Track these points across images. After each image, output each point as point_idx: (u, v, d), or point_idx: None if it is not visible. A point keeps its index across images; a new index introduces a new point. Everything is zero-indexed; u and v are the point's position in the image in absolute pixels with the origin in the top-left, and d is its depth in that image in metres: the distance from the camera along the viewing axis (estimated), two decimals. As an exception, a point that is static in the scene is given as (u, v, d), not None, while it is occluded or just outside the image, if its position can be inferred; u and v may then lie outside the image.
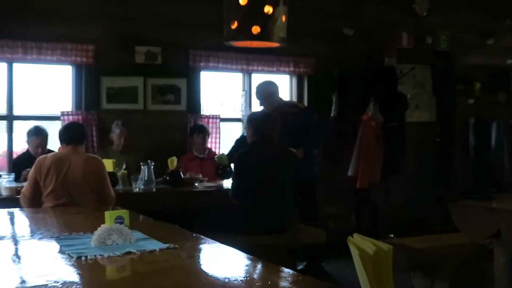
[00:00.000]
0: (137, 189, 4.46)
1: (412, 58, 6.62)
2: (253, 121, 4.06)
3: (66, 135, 3.93)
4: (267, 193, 3.91)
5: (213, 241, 2.39)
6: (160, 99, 5.66)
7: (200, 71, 5.84)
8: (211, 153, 5.50)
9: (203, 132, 5.41)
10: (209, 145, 5.69)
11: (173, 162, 4.63)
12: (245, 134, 4.52)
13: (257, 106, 5.43)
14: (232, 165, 4.87)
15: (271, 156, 4.02)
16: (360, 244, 1.26)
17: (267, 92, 4.93)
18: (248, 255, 2.10)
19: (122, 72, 5.49)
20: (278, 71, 6.12)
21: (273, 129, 4.26)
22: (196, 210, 4.30)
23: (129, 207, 2.84)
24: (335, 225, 6.01)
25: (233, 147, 5.08)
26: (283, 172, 4.01)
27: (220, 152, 5.59)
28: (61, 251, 2.21)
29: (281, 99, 5.01)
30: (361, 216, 6.23)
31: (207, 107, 5.94)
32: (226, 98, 6.09)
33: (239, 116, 6.16)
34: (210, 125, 5.78)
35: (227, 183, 4.79)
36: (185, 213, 4.13)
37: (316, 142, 4.98)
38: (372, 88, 6.11)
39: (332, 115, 6.17)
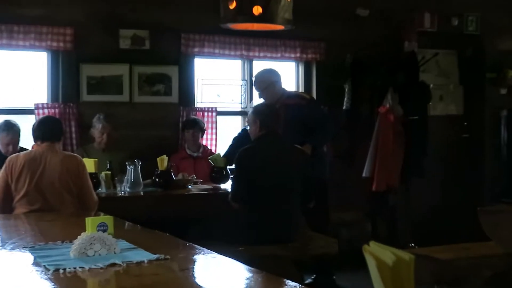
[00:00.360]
0: (122, 193, 4.47)
1: (436, 43, 6.61)
2: (260, 114, 4.06)
3: (41, 131, 3.93)
4: (273, 197, 3.91)
5: (210, 251, 2.40)
6: (148, 90, 5.65)
7: (193, 58, 5.84)
8: (206, 151, 5.50)
9: (196, 127, 5.41)
10: (204, 142, 5.69)
11: (163, 162, 4.63)
12: (247, 128, 4.50)
13: (259, 98, 5.42)
14: (228, 168, 4.87)
15: (279, 154, 4.02)
16: (377, 253, 1.26)
17: (268, 81, 4.92)
18: (250, 267, 2.10)
19: (104, 59, 5.49)
20: (283, 58, 6.12)
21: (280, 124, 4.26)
22: (190, 216, 4.30)
23: (114, 212, 2.85)
24: (348, 234, 6.00)
25: (231, 147, 5.05)
26: (292, 174, 4.01)
27: (216, 152, 5.59)
28: (35, 263, 2.21)
29: (284, 89, 4.99)
30: (377, 224, 6.23)
31: (201, 99, 5.93)
32: (223, 88, 6.08)
33: (238, 108, 6.16)
34: (206, 119, 5.78)
35: (226, 185, 4.79)
36: (177, 220, 4.13)
37: (324, 138, 4.97)
38: (390, 77, 6.10)
39: (344, 107, 6.16)
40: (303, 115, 4.79)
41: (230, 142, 5.17)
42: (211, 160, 4.86)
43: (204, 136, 5.67)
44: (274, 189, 3.91)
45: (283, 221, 3.91)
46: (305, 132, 4.75)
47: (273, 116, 4.11)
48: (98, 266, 2.13)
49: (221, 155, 4.95)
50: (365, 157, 6.00)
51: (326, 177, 5.02)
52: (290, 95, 4.98)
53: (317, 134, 4.80)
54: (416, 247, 5.58)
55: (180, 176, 4.88)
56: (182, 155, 5.42)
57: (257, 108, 4.16)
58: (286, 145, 4.18)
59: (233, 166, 4.40)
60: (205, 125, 5.63)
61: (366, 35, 6.25)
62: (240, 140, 4.85)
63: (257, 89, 4.96)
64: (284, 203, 3.94)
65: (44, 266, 2.14)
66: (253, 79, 5.11)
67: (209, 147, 5.72)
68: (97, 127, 5.16)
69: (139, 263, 2.19)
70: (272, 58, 6.08)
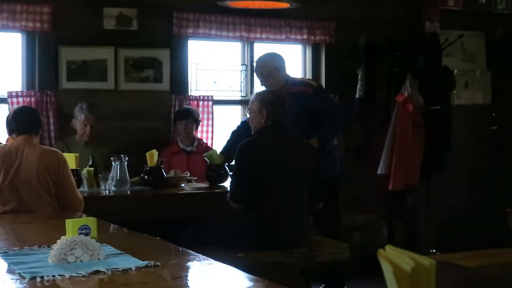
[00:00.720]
0: (107, 192, 4.48)
1: (461, 23, 6.60)
2: (267, 102, 4.04)
3: (16, 122, 3.94)
4: (277, 196, 3.91)
5: (205, 257, 2.40)
6: (136, 76, 5.66)
7: (187, 40, 5.84)
8: (202, 145, 5.51)
9: (189, 118, 5.41)
10: (199, 135, 5.69)
11: (152, 157, 4.63)
12: (246, 120, 4.49)
13: (261, 85, 5.42)
14: (226, 165, 4.87)
15: (284, 149, 4.01)
16: (394, 259, 1.26)
17: (271, 67, 4.91)
18: (251, 276, 2.11)
19: (86, 42, 5.49)
20: (288, 40, 6.12)
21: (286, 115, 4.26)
22: (183, 218, 4.31)
23: (97, 214, 2.84)
24: (361, 238, 6.01)
25: (229, 142, 5.04)
26: (300, 171, 4.01)
27: (212, 146, 5.59)
28: (10, 271, 2.22)
29: (288, 76, 4.99)
30: (394, 227, 6.23)
31: (196, 86, 5.93)
32: (221, 75, 6.09)
33: (237, 97, 6.16)
34: (201, 109, 5.78)
35: (224, 183, 4.79)
36: (169, 222, 4.13)
37: (334, 132, 4.96)
38: (408, 62, 6.10)
39: (357, 96, 6.17)
40: (310, 105, 4.77)
41: (228, 136, 5.16)
42: (206, 157, 4.85)
43: (199, 128, 5.67)
44: (279, 188, 3.91)
45: (289, 224, 3.91)
46: (312, 125, 4.74)
47: (282, 106, 4.10)
48: (80, 274, 2.13)
49: (218, 152, 4.94)
50: (380, 152, 6.00)
51: (337, 175, 5.01)
52: (295, 82, 4.97)
53: (326, 127, 4.78)
54: (438, 253, 5.59)
55: (172, 173, 4.88)
56: (174, 150, 5.43)
57: (263, 96, 4.13)
58: (292, 138, 4.17)
59: (232, 163, 4.40)
60: (200, 116, 5.63)
61: (381, 14, 6.25)
62: (239, 134, 4.84)
63: (259, 76, 4.96)
64: (290, 204, 3.94)
65: (19, 274, 2.14)
66: (254, 64, 5.10)
67: (204, 140, 5.72)
68: (79, 118, 5.16)
69: (126, 271, 2.19)
70: (275, 40, 6.08)
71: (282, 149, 4.00)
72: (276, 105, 4.06)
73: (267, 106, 4.03)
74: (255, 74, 5.15)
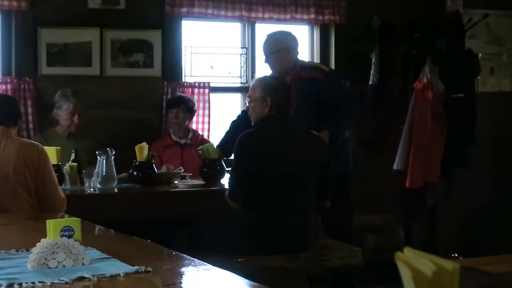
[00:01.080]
0: (92, 189, 4.48)
1: (486, 1, 6.59)
2: (272, 90, 4.03)
3: (-10, 112, 3.93)
4: (282, 194, 3.91)
5: (202, 262, 2.40)
6: (124, 60, 5.66)
7: (181, 21, 5.84)
8: (197, 137, 5.51)
9: (182, 106, 5.41)
10: (194, 126, 5.70)
11: (142, 151, 4.64)
12: (246, 109, 4.48)
13: (263, 70, 5.41)
14: (224, 160, 4.88)
15: (290, 141, 4.00)
16: (413, 262, 1.25)
17: (281, 44, 4.88)
18: (252, 282, 2.11)
19: (68, 22, 5.49)
20: (294, 20, 6.11)
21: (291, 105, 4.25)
22: (177, 219, 4.31)
23: (81, 214, 2.85)
24: (375, 241, 6.01)
25: (227, 134, 5.03)
26: (307, 165, 4.01)
27: (209, 139, 5.59)
28: (-15, 277, 2.22)
29: (298, 60, 4.98)
30: (412, 228, 6.24)
31: (191, 72, 5.93)
32: (218, 59, 6.08)
33: (237, 84, 6.15)
34: (196, 97, 5.78)
35: (223, 181, 4.79)
36: (161, 223, 4.14)
37: (345, 124, 4.93)
38: (428, 44, 6.09)
39: (370, 82, 6.16)
40: (321, 92, 4.75)
41: (226, 128, 5.15)
42: (201, 151, 4.84)
43: (194, 118, 5.68)
44: (284, 185, 3.91)
45: (294, 225, 3.91)
46: (322, 115, 4.72)
47: (287, 94, 4.10)
48: (62, 280, 2.13)
49: (214, 146, 4.93)
50: (396, 145, 5.99)
51: (349, 170, 5.01)
52: (304, 66, 4.95)
53: (337, 118, 4.75)
54: (460, 257, 5.59)
55: (164, 169, 4.88)
56: (167, 143, 5.43)
57: (267, 82, 4.11)
58: (299, 129, 4.17)
59: (230, 158, 4.40)
60: (195, 105, 5.63)
61: (398, -8, 6.25)
62: (239, 126, 4.82)
63: (265, 51, 4.91)
64: (296, 202, 3.94)
65: (-4, 280, 2.14)
66: (264, 37, 5.03)
67: (200, 132, 5.73)
68: (65, 107, 5.14)
69: (114, 277, 2.19)
70: (279, 21, 6.07)
71: (287, 141, 3.99)
72: (281, 93, 4.05)
73: (271, 93, 4.02)
74: (258, 57, 5.08)
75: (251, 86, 4.20)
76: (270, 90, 4.03)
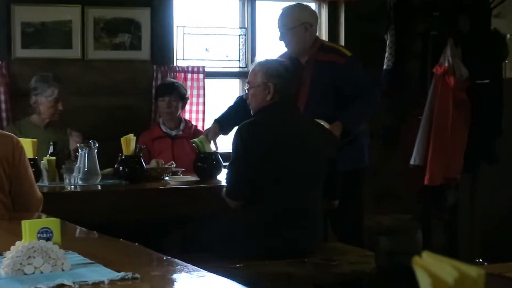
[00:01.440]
0: (72, 186, 4.48)
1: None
2: (273, 74, 4.01)
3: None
4: (287, 192, 3.91)
5: (195, 267, 2.39)
6: (108, 41, 5.65)
7: (172, -3, 5.85)
8: (190, 128, 5.51)
9: (173, 94, 5.40)
10: (187, 116, 5.69)
11: (129, 143, 4.63)
12: (244, 96, 4.45)
13: (265, 52, 5.38)
14: (220, 152, 4.87)
15: (295, 132, 4.00)
16: (433, 268, 1.25)
17: (298, 20, 4.83)
18: (253, 290, 2.11)
19: (46, -1, 5.49)
20: (299, -4, 6.11)
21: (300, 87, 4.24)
22: (168, 219, 4.31)
23: (61, 214, 2.84)
24: (389, 244, 6.02)
25: (231, 109, 4.92)
26: (314, 160, 4.00)
27: (203, 130, 5.58)
28: (-49, 284, 2.21)
29: (317, 39, 4.96)
30: (431, 230, 6.24)
31: (183, 55, 5.92)
32: (214, 40, 6.07)
33: (235, 68, 6.14)
34: (189, 83, 5.78)
35: (220, 176, 4.79)
36: (150, 224, 4.14)
37: (363, 115, 4.88)
38: (449, 24, 6.08)
39: (385, 66, 6.16)
40: (339, 79, 4.72)
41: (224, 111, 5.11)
42: (195, 144, 4.84)
43: (187, 107, 5.67)
44: (289, 181, 3.91)
45: (300, 226, 3.91)
46: (337, 104, 4.71)
47: (293, 81, 4.09)
48: (40, 288, 2.13)
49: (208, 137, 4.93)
50: (414, 137, 5.99)
51: (363, 166, 4.97)
52: (324, 47, 4.91)
53: (353, 110, 4.71)
54: (486, 263, 5.59)
55: (153, 164, 4.88)
56: (156, 134, 5.43)
57: (269, 66, 4.08)
58: (305, 120, 4.16)
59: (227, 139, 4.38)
60: (188, 92, 5.62)
61: (416, -35, 6.24)
62: (238, 110, 4.80)
63: (280, 28, 4.87)
64: (302, 201, 3.94)
65: (-36, 288, 2.13)
66: (280, 11, 4.99)
67: (193, 122, 5.72)
68: (48, 93, 5.10)
69: (97, 284, 2.18)
70: (283, -3, 6.07)
71: (292, 134, 3.98)
72: (285, 79, 4.04)
73: (274, 79, 4.00)
74: (260, 38, 5.03)
75: (251, 70, 4.18)
76: (273, 76, 4.02)
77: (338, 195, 4.21)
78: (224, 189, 4.08)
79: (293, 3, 5.80)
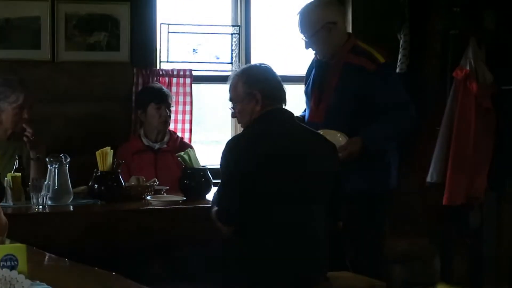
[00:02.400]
0: (41, 207, 4.46)
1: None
2: (255, 80, 4.01)
3: None
4: (286, 213, 3.89)
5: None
6: (82, 41, 5.67)
7: (155, -9, 5.86)
8: (175, 141, 5.50)
9: (167, 101, 5.42)
10: (172, 126, 5.69)
11: (105, 158, 4.63)
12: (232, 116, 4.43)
13: (260, 53, 5.39)
14: (208, 166, 4.86)
15: (298, 145, 4.00)
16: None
17: (319, 22, 4.76)
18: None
19: (11, -8, 5.50)
20: (300, -9, 6.13)
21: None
22: (150, 245, 4.30)
23: (27, 238, 2.84)
24: (404, 273, 6.01)
25: None
26: (318, 178, 3.99)
27: (190, 145, 5.59)
28: None
29: (349, 36, 4.91)
30: (451, 257, 6.24)
31: (168, 56, 5.93)
32: (203, 40, 6.09)
33: (226, 71, 6.14)
34: (174, 88, 5.79)
35: (209, 196, 4.78)
36: (130, 250, 4.13)
37: (392, 133, 4.77)
38: (471, 22, 6.09)
39: (398, 69, 6.16)
40: (367, 87, 4.67)
41: (212, 127, 5.14)
42: (180, 159, 4.84)
43: (172, 116, 5.65)
44: (288, 202, 3.89)
45: (301, 253, 3.90)
46: (361, 117, 4.67)
47: (279, 83, 4.08)
48: (2, 324, 2.12)
49: (196, 152, 4.93)
50: (431, 151, 6.00)
51: (387, 190, 4.89)
52: (356, 49, 4.82)
53: (379, 126, 4.66)
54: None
55: (133, 181, 4.87)
56: (136, 147, 5.43)
57: (248, 73, 4.08)
58: (305, 130, 4.16)
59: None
60: (174, 98, 5.62)
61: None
62: None
63: (303, 35, 4.82)
64: (304, 224, 3.93)
65: None
66: (297, 16, 4.96)
67: (179, 134, 5.72)
68: (12, 99, 5.06)
69: (69, 320, 2.18)
70: (281, -7, 6.10)
71: (293, 145, 3.98)
72: (271, 81, 4.04)
73: (258, 85, 4.00)
74: (254, 39, 5.00)
75: (229, 85, 4.14)
76: (256, 81, 4.01)
77: (341, 215, 4.21)
78: (215, 211, 4.05)
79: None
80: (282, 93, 4.06)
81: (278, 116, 4.02)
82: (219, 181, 4.05)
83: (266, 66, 4.17)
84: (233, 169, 3.93)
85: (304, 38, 4.79)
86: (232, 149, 3.94)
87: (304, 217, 3.95)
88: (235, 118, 4.20)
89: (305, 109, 5.01)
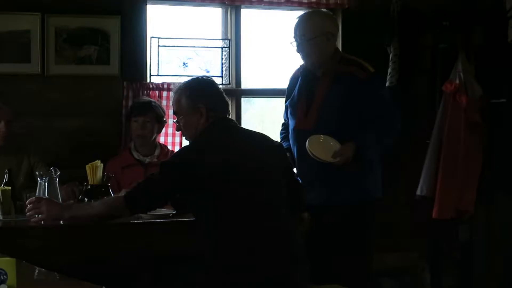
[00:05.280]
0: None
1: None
2: (198, 94, 4.03)
3: None
4: (253, 221, 3.86)
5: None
6: (72, 54, 5.67)
7: (145, 4, 5.87)
8: (165, 155, 5.48)
9: (149, 114, 5.41)
10: (162, 140, 5.69)
11: (95, 171, 4.62)
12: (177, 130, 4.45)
13: (250, 66, 5.39)
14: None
15: (251, 149, 4.02)
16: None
17: (319, 29, 4.79)
18: None
19: (1, 5, 5.49)
20: (289, 4, 6.15)
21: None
22: (140, 259, 4.29)
23: (17, 253, 2.84)
24: (394, 286, 6.00)
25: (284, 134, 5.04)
26: (276, 176, 4.02)
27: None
28: None
29: (337, 50, 4.96)
30: (441, 271, 6.23)
31: (158, 70, 5.94)
32: (193, 53, 6.09)
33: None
34: (164, 102, 5.79)
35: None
36: (120, 264, 4.12)
37: (383, 141, 4.85)
38: (460, 35, 6.11)
39: (387, 83, 6.16)
40: (358, 95, 4.70)
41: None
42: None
43: (163, 130, 5.66)
44: (253, 207, 3.86)
45: (274, 263, 3.84)
46: (352, 124, 4.69)
47: (221, 96, 4.12)
48: (-8, 338, 2.12)
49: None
50: (420, 164, 6.00)
51: (374, 200, 4.92)
52: (344, 59, 4.89)
53: (371, 132, 4.70)
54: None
55: (123, 194, 4.86)
56: (126, 161, 5.42)
57: (190, 87, 4.11)
58: (250, 132, 4.23)
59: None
60: (165, 114, 5.61)
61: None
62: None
63: (298, 38, 4.83)
64: (272, 228, 3.88)
65: None
66: (296, 20, 4.98)
67: (170, 147, 5.72)
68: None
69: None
70: (271, 5, 6.12)
71: (243, 149, 3.99)
72: (214, 94, 4.09)
73: (201, 99, 4.04)
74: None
75: (172, 99, 4.18)
76: (199, 95, 4.05)
77: (305, 207, 4.31)
78: (127, 195, 4.04)
79: (281, 10, 5.83)
80: (225, 105, 4.12)
81: (223, 124, 4.06)
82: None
83: (209, 79, 4.23)
84: (186, 164, 3.91)
85: (299, 40, 4.81)
86: (184, 154, 4.02)
87: (272, 220, 3.93)
88: (180, 131, 4.22)
89: (283, 124, 5.10)
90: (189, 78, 4.34)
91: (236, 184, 3.88)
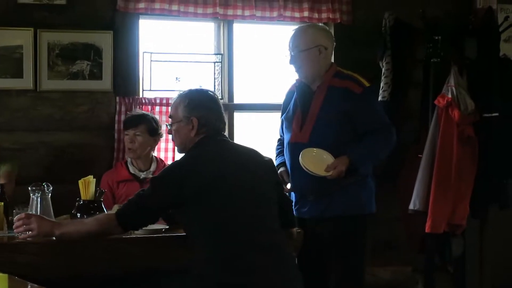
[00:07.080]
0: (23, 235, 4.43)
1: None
2: (195, 106, 4.04)
3: None
4: (243, 238, 3.87)
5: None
6: (64, 70, 5.66)
7: (138, 19, 5.87)
8: (161, 169, 5.47)
9: (140, 127, 5.40)
10: (155, 153, 5.68)
11: (88, 186, 4.60)
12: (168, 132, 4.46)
13: (243, 82, 5.39)
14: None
15: (241, 166, 4.02)
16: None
17: (312, 42, 4.82)
18: None
19: (-7, 21, 5.48)
20: (282, 19, 6.14)
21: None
22: (133, 275, 4.28)
23: (9, 268, 2.83)
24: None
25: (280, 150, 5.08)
26: (267, 193, 4.04)
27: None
28: None
29: (332, 64, 4.97)
30: (434, 284, 6.22)
31: (151, 84, 5.94)
32: (186, 68, 6.08)
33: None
34: (157, 116, 5.75)
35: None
36: (113, 281, 4.10)
37: (377, 155, 4.84)
38: (453, 49, 6.11)
39: (380, 98, 6.16)
40: (352, 109, 4.72)
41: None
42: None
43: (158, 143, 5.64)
44: (244, 224, 3.88)
45: (268, 274, 3.84)
46: (346, 138, 4.70)
47: (219, 114, 4.12)
48: None
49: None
50: (413, 179, 5.99)
51: (368, 214, 4.92)
52: (340, 74, 4.90)
53: (365, 146, 4.70)
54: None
55: (115, 209, 4.83)
56: (122, 176, 5.41)
57: (191, 97, 4.12)
58: (240, 147, 4.24)
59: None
60: (161, 127, 5.59)
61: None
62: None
63: (292, 50, 4.84)
64: (265, 244, 3.89)
65: None
66: (292, 31, 4.98)
67: (164, 160, 5.70)
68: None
69: None
70: (264, 20, 6.12)
71: (237, 165, 4.01)
72: (211, 111, 4.08)
73: (197, 112, 4.05)
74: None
75: (172, 104, 4.20)
76: (196, 108, 4.06)
77: (294, 221, 4.34)
78: (118, 211, 4.06)
79: (274, 25, 5.83)
80: (221, 124, 4.12)
81: (214, 139, 4.06)
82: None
83: (212, 95, 4.22)
84: (176, 181, 3.91)
85: (292, 52, 4.85)
86: (174, 169, 4.02)
87: (264, 236, 3.92)
88: (171, 135, 4.22)
89: (278, 140, 5.12)
90: (196, 88, 4.38)
91: (226, 198, 3.88)
